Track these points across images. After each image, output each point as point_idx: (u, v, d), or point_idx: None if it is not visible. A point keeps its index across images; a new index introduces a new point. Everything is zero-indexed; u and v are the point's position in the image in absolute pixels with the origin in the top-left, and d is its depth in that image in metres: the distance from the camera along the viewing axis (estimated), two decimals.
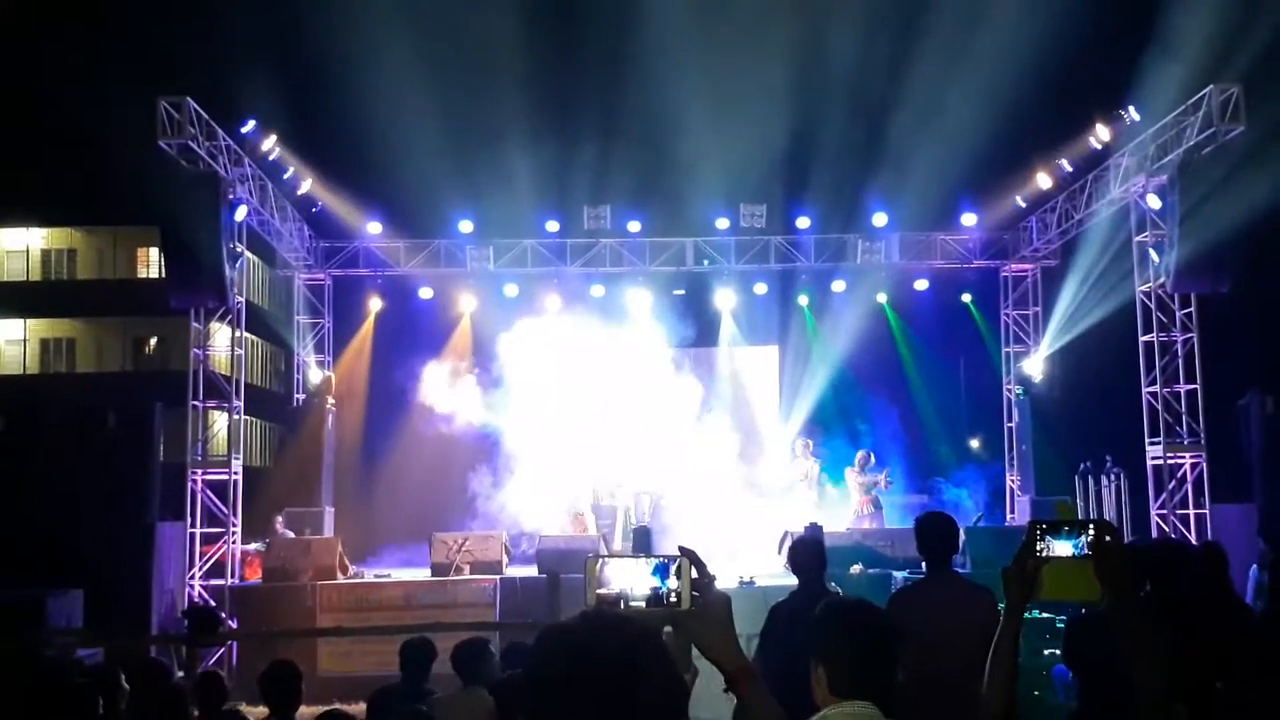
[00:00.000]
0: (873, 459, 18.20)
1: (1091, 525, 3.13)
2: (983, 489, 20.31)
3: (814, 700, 3.13)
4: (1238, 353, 18.02)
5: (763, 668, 5.98)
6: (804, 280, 21.00)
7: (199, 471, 16.19)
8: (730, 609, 2.39)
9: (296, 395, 20.51)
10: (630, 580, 2.27)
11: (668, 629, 2.39)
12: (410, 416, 20.71)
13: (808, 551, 6.65)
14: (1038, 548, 3.11)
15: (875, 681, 3.02)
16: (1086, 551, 3.09)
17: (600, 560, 2.30)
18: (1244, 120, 14.61)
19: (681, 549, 2.35)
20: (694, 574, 2.31)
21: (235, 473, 16.39)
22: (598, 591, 2.25)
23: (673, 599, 2.27)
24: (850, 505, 18.06)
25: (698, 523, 18.46)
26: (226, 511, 16.08)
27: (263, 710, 5.96)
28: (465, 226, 19.88)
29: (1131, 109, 16.42)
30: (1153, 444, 16.27)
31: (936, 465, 20.76)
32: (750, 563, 16.97)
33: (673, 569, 2.28)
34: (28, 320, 35.75)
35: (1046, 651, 11.14)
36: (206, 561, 15.96)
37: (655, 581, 2.28)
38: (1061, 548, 3.10)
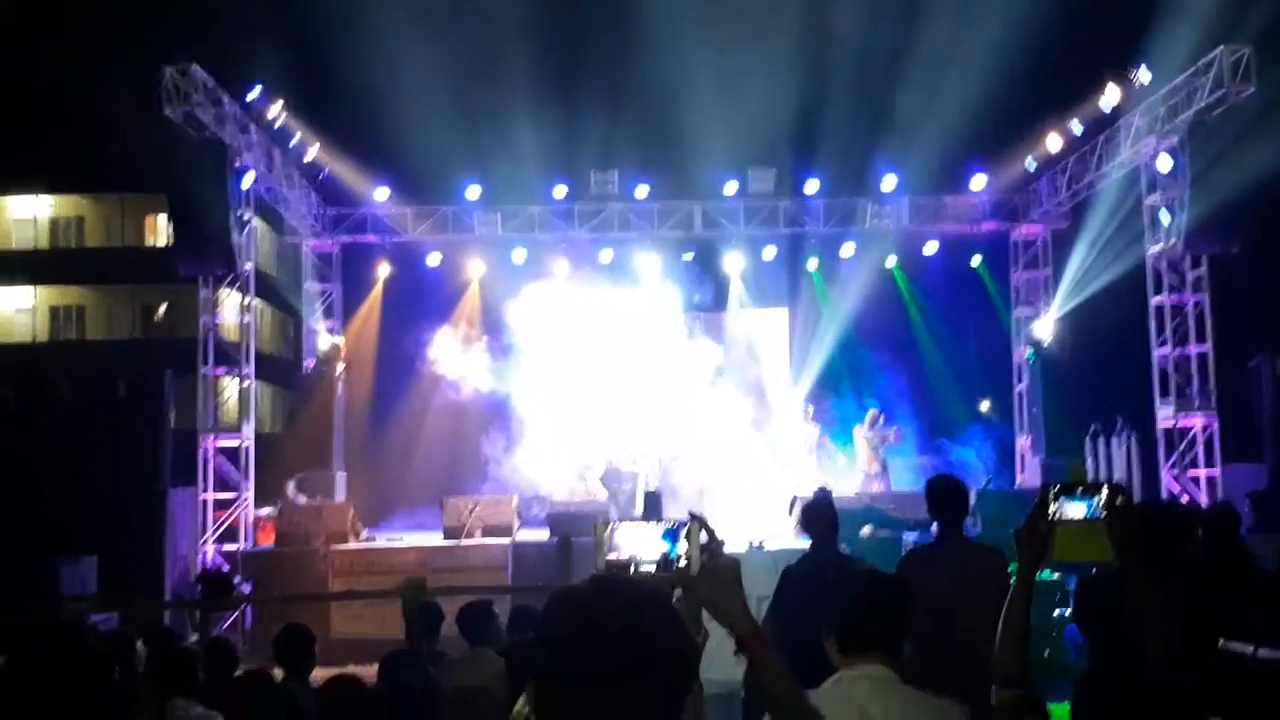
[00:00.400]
0: (882, 418, 18.23)
1: (1104, 488, 3.12)
2: (992, 451, 20.32)
3: (829, 664, 3.16)
4: (1249, 314, 17.98)
5: (774, 630, 6.03)
6: (813, 244, 20.91)
7: (211, 437, 16.27)
8: (739, 572, 2.40)
9: (306, 361, 20.54)
10: (640, 545, 2.29)
11: (678, 592, 2.41)
12: (420, 382, 20.77)
13: (819, 514, 6.66)
14: (1050, 510, 3.11)
15: (880, 643, 3.04)
16: (1099, 514, 3.08)
17: (610, 526, 2.31)
18: (1255, 81, 14.52)
19: (691, 513, 2.37)
20: (703, 538, 2.32)
21: (247, 439, 16.47)
22: (608, 557, 2.27)
23: (682, 563, 2.28)
24: (857, 466, 18.10)
25: (709, 487, 18.54)
26: (239, 477, 16.17)
27: (278, 673, 6.01)
28: (473, 192, 19.80)
29: (1142, 70, 16.29)
30: (1164, 405, 16.26)
31: (946, 428, 20.76)
32: (761, 527, 17.01)
33: (682, 534, 2.29)
34: (37, 288, 35.77)
35: (1057, 612, 11.19)
36: (219, 526, 16.06)
37: (665, 546, 2.29)
38: (1074, 510, 3.10)
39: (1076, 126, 17.75)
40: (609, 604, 1.79)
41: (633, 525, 2.32)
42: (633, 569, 2.25)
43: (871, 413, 18.31)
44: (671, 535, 2.28)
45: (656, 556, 2.28)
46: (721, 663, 2.80)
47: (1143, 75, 16.31)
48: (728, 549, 2.44)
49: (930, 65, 18.57)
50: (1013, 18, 17.16)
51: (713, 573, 2.35)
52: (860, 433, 18.14)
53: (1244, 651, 4.82)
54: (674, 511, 14.90)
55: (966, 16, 18.16)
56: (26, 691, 2.72)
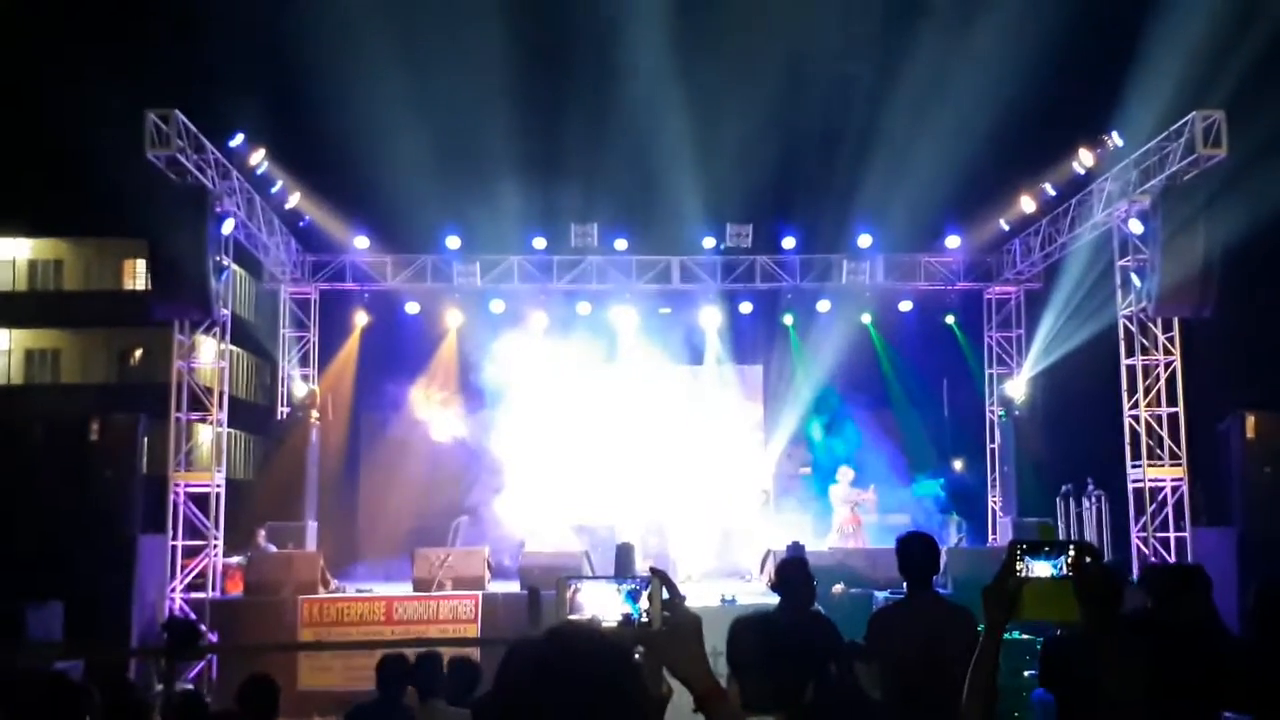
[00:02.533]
0: (854, 477, 18.29)
1: (1071, 546, 3.14)
2: (965, 510, 20.38)
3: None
4: (1220, 376, 18.11)
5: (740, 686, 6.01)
6: (789, 300, 21.05)
7: (181, 484, 16.15)
8: (700, 629, 2.41)
9: (281, 408, 20.46)
10: (602, 605, 2.30)
11: (640, 649, 2.42)
12: (394, 431, 20.75)
13: (791, 572, 6.67)
14: (1018, 567, 3.13)
15: (783, 697, 3.03)
16: (1066, 572, 3.10)
17: (572, 585, 2.32)
18: (1226, 146, 14.71)
19: (653, 570, 2.38)
20: (664, 595, 2.33)
21: (218, 485, 16.35)
22: (569, 618, 2.28)
23: (644, 620, 2.29)
24: (834, 523, 18.14)
25: (680, 542, 18.56)
26: (208, 524, 16.03)
27: None
28: (452, 242, 19.86)
29: (1115, 134, 16.53)
30: (1134, 467, 16.33)
31: (919, 486, 20.84)
32: (731, 583, 17.04)
33: (645, 593, 2.31)
34: (13, 331, 35.62)
35: (1026, 673, 11.18)
36: (188, 574, 15.89)
37: (627, 607, 2.30)
38: (1041, 568, 3.11)
39: (1050, 189, 17.98)
40: (567, 655, 1.81)
41: (595, 584, 2.33)
42: None
43: (846, 472, 18.36)
44: (633, 596, 2.30)
45: (619, 616, 2.29)
46: (687, 719, 2.80)
47: (1115, 140, 16.55)
48: (699, 604, 2.45)
49: (907, 126, 18.81)
50: (987, 81, 17.40)
51: (673, 629, 2.37)
52: (836, 492, 18.18)
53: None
54: (648, 564, 14.88)
55: (943, 79, 18.42)
56: None
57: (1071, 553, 3.10)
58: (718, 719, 2.47)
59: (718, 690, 2.46)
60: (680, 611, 2.38)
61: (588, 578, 2.41)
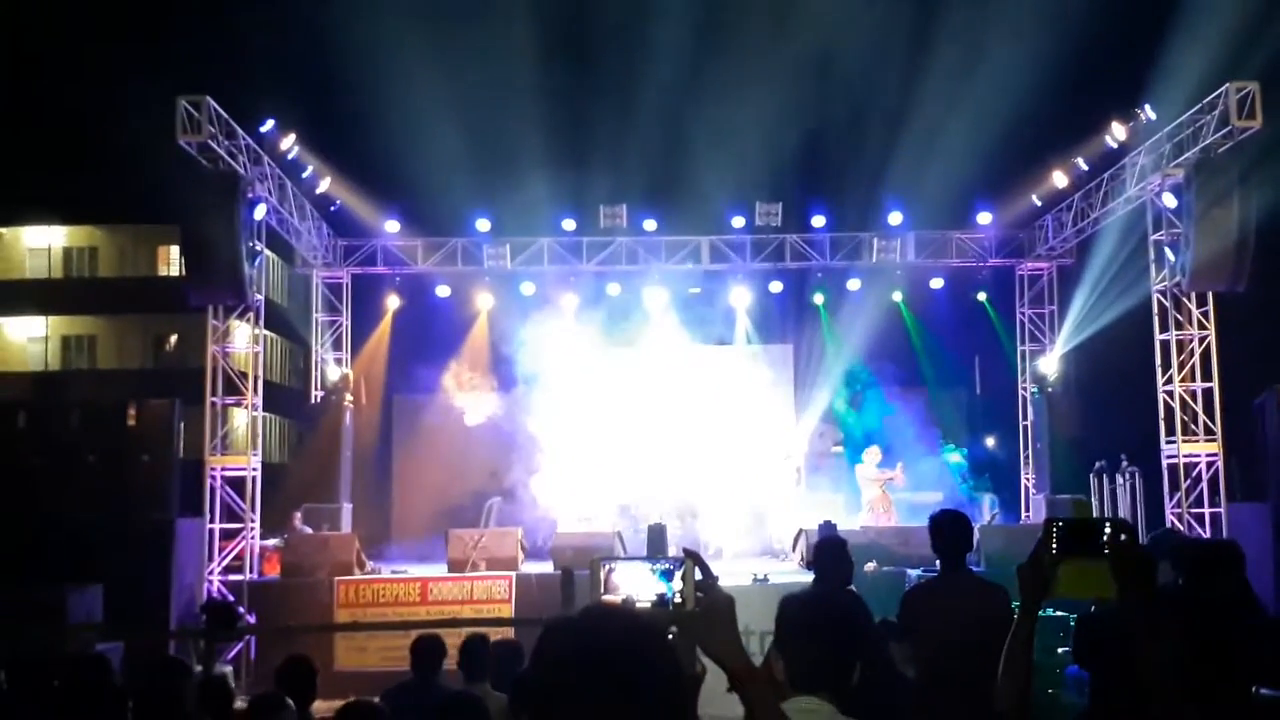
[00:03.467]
0: (880, 455, 18.25)
1: (1108, 524, 3.11)
2: (998, 487, 20.33)
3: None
4: (1255, 350, 17.94)
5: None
6: (819, 279, 20.98)
7: (218, 468, 16.31)
8: (734, 609, 2.43)
9: (315, 392, 20.60)
10: (636, 585, 2.32)
11: (674, 629, 2.45)
12: (427, 414, 20.87)
13: (826, 551, 6.67)
14: (1053, 546, 3.10)
15: (829, 677, 3.04)
16: (1103, 550, 3.07)
17: (607, 565, 2.34)
18: (1260, 118, 14.55)
19: (686, 550, 2.40)
20: (698, 575, 2.35)
21: (254, 469, 16.51)
22: (604, 597, 2.30)
23: (677, 600, 2.31)
24: (863, 503, 18.12)
25: (712, 522, 18.59)
26: (245, 507, 16.19)
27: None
28: (482, 225, 19.90)
29: (1148, 108, 16.36)
30: (1169, 442, 16.22)
31: (951, 463, 20.78)
32: (764, 561, 17.04)
33: (678, 573, 2.33)
34: (50, 317, 35.99)
35: (1061, 650, 11.15)
36: (225, 557, 16.07)
37: (661, 586, 2.32)
38: (1078, 546, 3.09)
39: (1082, 164, 17.83)
40: (602, 634, 1.81)
41: (629, 564, 2.35)
42: None
43: (873, 452, 18.33)
44: (667, 575, 2.31)
45: (653, 596, 2.31)
46: (722, 699, 2.83)
47: (1148, 113, 16.38)
48: (732, 583, 2.47)
49: (937, 102, 18.70)
50: (1019, 56, 17.26)
51: (707, 609, 2.38)
52: (862, 472, 18.15)
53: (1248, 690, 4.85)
54: (681, 545, 14.92)
55: (974, 55, 18.28)
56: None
57: (1108, 530, 3.08)
58: (752, 698, 2.49)
59: (751, 670, 2.47)
60: (714, 592, 2.40)
61: (622, 558, 2.44)
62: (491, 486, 19.29)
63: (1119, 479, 16.49)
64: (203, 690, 6.31)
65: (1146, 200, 16.69)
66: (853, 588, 7.04)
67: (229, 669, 13.92)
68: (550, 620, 1.92)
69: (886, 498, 17.84)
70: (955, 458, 20.73)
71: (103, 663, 5.65)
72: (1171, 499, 16.05)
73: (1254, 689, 4.91)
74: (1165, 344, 16.42)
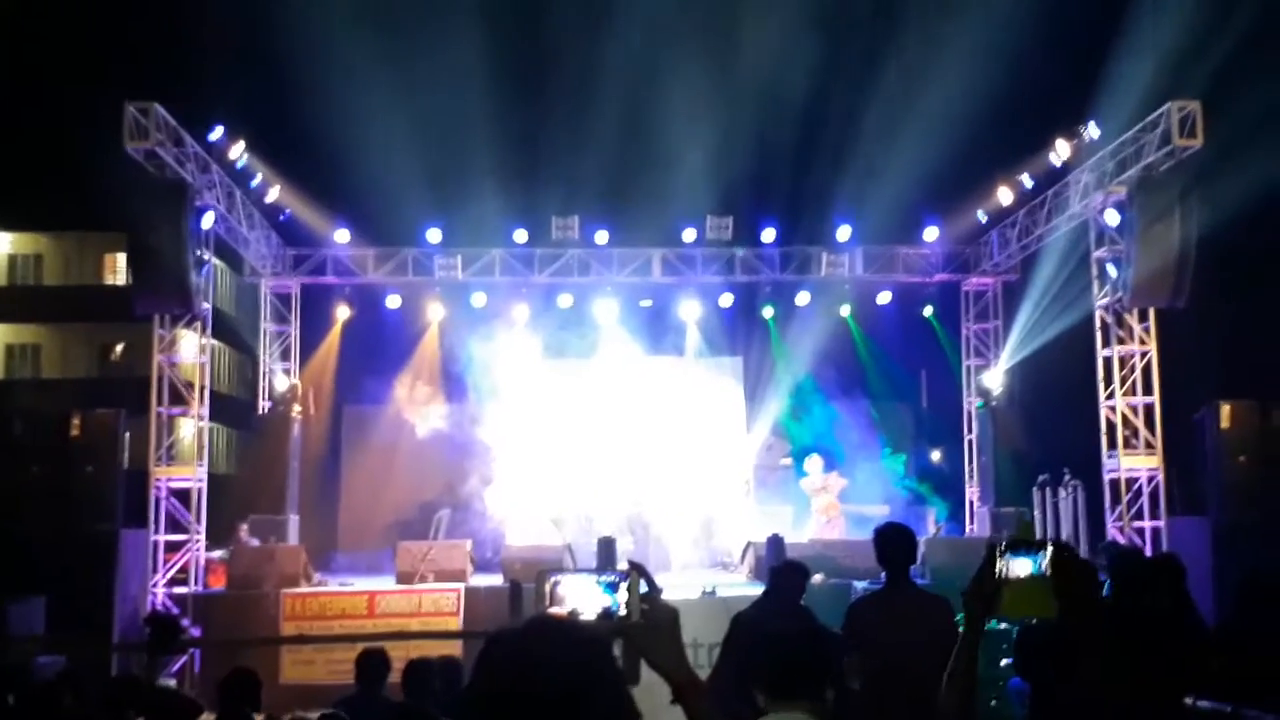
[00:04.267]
0: (821, 462, 18.43)
1: (1049, 545, 3.14)
2: (942, 500, 20.54)
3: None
4: (1195, 365, 18.26)
5: (723, 674, 6.10)
6: (769, 292, 21.09)
7: (163, 478, 16.13)
8: (678, 621, 2.44)
9: (263, 402, 20.44)
10: (581, 598, 2.34)
11: (619, 642, 2.47)
12: (376, 424, 20.78)
13: (790, 575, 6.75)
14: (996, 568, 3.12)
15: (805, 692, 3.08)
16: (1045, 570, 3.10)
17: (552, 578, 2.37)
18: (1201, 137, 14.81)
19: (630, 563, 2.43)
20: (642, 587, 2.38)
21: (200, 480, 16.35)
22: (549, 610, 2.32)
23: (622, 613, 2.34)
24: (812, 514, 18.25)
25: (662, 534, 18.64)
26: (190, 518, 16.03)
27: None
28: (433, 236, 19.81)
29: (1091, 125, 16.63)
30: (1110, 456, 16.44)
31: (897, 476, 20.98)
32: (713, 573, 17.11)
33: (622, 585, 2.35)
34: None
35: (1004, 662, 11.26)
36: (170, 569, 15.90)
37: (607, 599, 2.34)
38: (1020, 566, 3.09)
39: (1027, 181, 18.07)
40: (544, 645, 1.84)
41: (575, 577, 2.37)
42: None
43: (814, 460, 18.50)
44: (612, 588, 2.34)
45: (598, 609, 2.33)
46: (665, 711, 2.86)
47: (1092, 131, 16.64)
48: (680, 596, 2.51)
49: (885, 118, 18.90)
50: (966, 73, 17.48)
51: (651, 620, 2.41)
52: (806, 484, 18.31)
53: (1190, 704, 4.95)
54: (635, 556, 14.96)
55: (921, 71, 18.51)
56: None
57: (1050, 550, 3.10)
58: (695, 710, 2.52)
59: (695, 682, 2.50)
60: (658, 604, 2.43)
61: (567, 571, 2.46)
62: (445, 498, 19.24)
63: (1061, 492, 16.70)
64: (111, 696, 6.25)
65: (1089, 217, 16.94)
66: (803, 602, 7.12)
67: (173, 682, 13.78)
68: (493, 632, 1.94)
69: (836, 505, 17.99)
70: (895, 463, 20.96)
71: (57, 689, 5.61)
72: (1113, 512, 16.27)
73: (1192, 700, 5.03)
74: (1107, 359, 16.65)
